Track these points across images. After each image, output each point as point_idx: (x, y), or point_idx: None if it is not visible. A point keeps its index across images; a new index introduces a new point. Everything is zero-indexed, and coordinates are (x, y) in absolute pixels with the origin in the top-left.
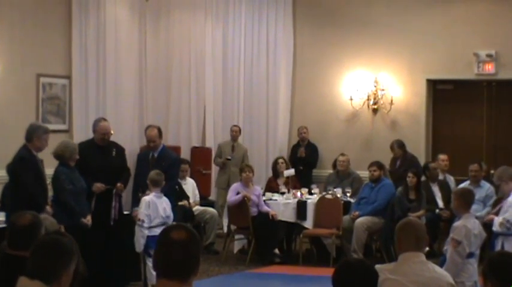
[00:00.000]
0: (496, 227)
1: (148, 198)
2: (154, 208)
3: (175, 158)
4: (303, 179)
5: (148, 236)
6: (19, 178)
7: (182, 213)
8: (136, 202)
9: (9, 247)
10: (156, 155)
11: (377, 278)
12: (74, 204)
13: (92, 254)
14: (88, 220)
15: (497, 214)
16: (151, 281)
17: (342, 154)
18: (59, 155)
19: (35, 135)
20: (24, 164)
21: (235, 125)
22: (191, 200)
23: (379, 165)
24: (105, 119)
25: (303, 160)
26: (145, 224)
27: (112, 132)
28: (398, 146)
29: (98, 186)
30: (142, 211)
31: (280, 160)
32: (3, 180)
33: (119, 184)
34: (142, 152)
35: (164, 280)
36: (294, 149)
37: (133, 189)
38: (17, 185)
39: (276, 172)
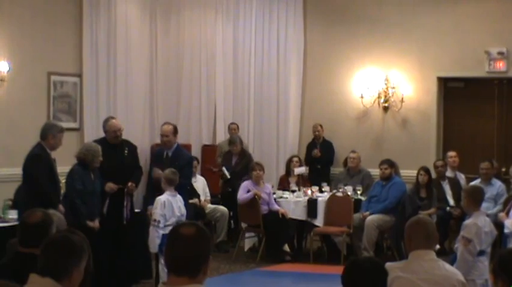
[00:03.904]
0: (509, 229)
1: (164, 198)
2: (169, 208)
3: (190, 157)
4: (321, 177)
5: (162, 235)
6: (33, 175)
7: (193, 211)
8: (151, 199)
9: (21, 244)
10: (170, 154)
11: (386, 276)
12: (81, 205)
13: (103, 253)
14: (95, 223)
15: (508, 213)
16: (163, 279)
17: (353, 151)
18: (81, 158)
19: (50, 133)
20: (38, 161)
21: (232, 123)
22: (202, 198)
23: (390, 163)
24: (113, 117)
25: (319, 159)
26: (161, 225)
27: (123, 127)
28: (241, 142)
29: (111, 186)
30: (157, 212)
31: (295, 159)
32: (15, 177)
33: (129, 183)
34: (157, 150)
35: (173, 276)
36: (309, 147)
37: (147, 187)
38: (31, 182)
39: (289, 170)
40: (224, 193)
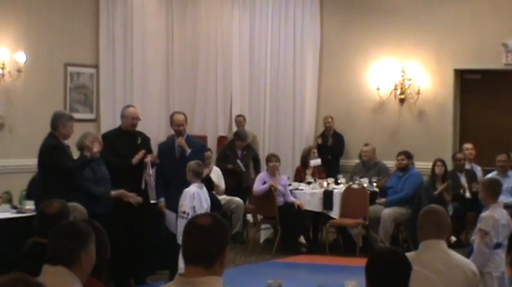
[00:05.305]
0: None
1: (193, 190)
2: (198, 200)
3: (202, 144)
4: (330, 169)
5: None
6: (56, 162)
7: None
8: (161, 192)
9: (38, 234)
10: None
11: (410, 268)
12: (97, 188)
13: (120, 242)
14: (119, 191)
15: None
16: (182, 271)
17: (366, 144)
18: (80, 146)
19: (60, 122)
20: (57, 150)
21: (239, 115)
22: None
23: (407, 154)
24: (132, 106)
25: (329, 150)
26: (190, 217)
27: (140, 118)
28: (247, 137)
29: (138, 157)
30: (186, 204)
31: (314, 150)
32: (32, 168)
33: (153, 154)
34: (165, 143)
35: (190, 266)
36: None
37: (156, 180)
38: (56, 170)
39: (306, 162)
40: (235, 187)
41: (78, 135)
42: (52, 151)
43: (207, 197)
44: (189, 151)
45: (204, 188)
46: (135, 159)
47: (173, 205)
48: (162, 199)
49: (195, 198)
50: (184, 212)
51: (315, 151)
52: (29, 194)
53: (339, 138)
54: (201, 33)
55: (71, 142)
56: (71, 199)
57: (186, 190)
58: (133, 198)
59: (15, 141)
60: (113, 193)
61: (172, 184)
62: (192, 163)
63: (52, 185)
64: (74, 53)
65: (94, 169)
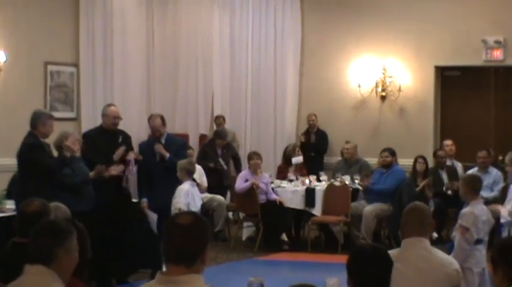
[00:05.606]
0: (505, 219)
1: (186, 187)
2: (191, 197)
3: (183, 141)
4: (314, 166)
5: None
6: (35, 161)
7: None
8: (144, 192)
9: (19, 234)
10: (163, 142)
11: (391, 264)
12: (77, 179)
13: (102, 241)
14: (97, 168)
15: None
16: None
17: (347, 142)
18: (58, 145)
19: (39, 121)
20: (36, 149)
21: (218, 117)
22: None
23: (391, 151)
24: (114, 105)
25: (312, 147)
26: None
27: (121, 117)
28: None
29: (118, 153)
30: (181, 201)
31: (298, 148)
32: (12, 167)
33: (134, 151)
34: (145, 142)
35: (171, 265)
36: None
37: (138, 180)
38: (38, 169)
39: (288, 159)
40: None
41: (58, 134)
42: (31, 149)
43: (199, 195)
44: (167, 155)
45: (196, 187)
46: (116, 155)
47: (155, 205)
48: (145, 199)
49: (188, 196)
50: (179, 209)
51: (298, 148)
52: (9, 194)
53: (322, 136)
54: (181, 31)
55: (50, 141)
56: (52, 198)
57: (180, 187)
58: (114, 170)
59: None
60: (91, 173)
61: (155, 183)
62: (183, 162)
63: (32, 184)
64: (53, 52)
65: (72, 167)
